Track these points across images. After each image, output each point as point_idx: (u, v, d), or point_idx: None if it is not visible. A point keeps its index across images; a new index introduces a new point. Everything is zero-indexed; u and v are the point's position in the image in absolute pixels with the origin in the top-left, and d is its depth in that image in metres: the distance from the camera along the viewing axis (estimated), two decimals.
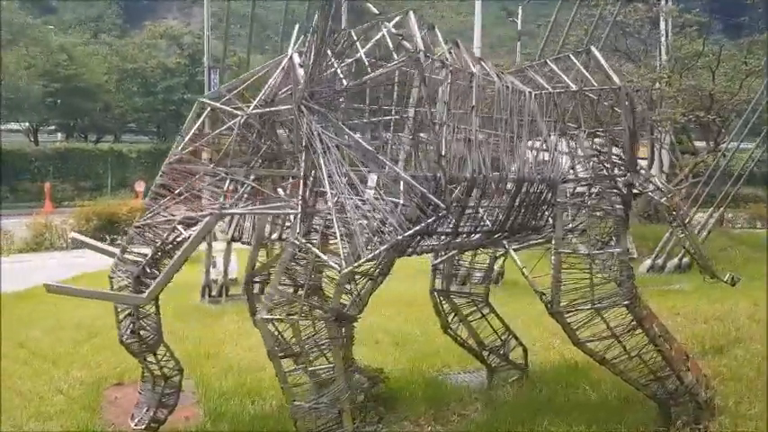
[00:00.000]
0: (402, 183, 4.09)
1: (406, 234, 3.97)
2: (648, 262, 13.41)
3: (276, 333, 4.56)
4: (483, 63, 5.01)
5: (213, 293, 9.96)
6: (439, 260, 6.01)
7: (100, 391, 5.90)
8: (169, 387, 4.80)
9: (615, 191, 4.95)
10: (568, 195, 4.93)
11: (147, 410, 4.73)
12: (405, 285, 9.11)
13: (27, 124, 35.03)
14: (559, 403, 5.72)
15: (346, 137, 4.15)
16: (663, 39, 17.88)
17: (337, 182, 4.08)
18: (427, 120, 4.06)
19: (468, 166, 4.45)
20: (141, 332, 4.57)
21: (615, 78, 5.15)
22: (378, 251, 3.92)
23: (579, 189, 4.97)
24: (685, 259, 12.78)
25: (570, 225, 4.96)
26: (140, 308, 4.54)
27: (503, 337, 6.31)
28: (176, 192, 4.45)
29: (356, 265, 3.93)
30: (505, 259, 6.42)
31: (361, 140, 4.15)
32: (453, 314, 6.17)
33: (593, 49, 5.43)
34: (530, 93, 4.96)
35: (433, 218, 4.06)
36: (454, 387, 6.13)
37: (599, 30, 15.03)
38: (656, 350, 4.94)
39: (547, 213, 5.09)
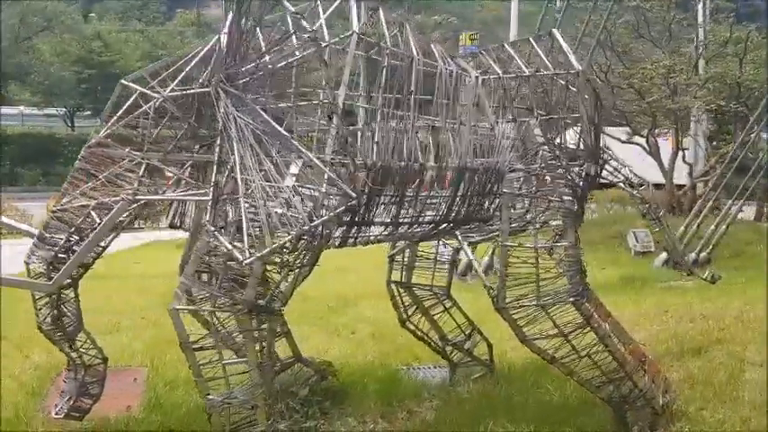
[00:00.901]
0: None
1: (313, 224, 3.76)
2: (663, 256, 12.90)
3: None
4: (435, 47, 4.75)
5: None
6: (396, 250, 5.78)
7: (51, 376, 5.84)
8: (91, 376, 4.69)
9: (565, 182, 4.65)
10: (515, 185, 4.65)
11: (69, 399, 4.63)
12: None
13: (64, 109, 35.78)
14: (517, 402, 5.45)
15: (260, 121, 3.95)
16: (700, 19, 17.03)
17: (249, 168, 3.90)
18: (337, 104, 3.84)
19: (390, 153, 4.24)
20: (62, 319, 4.46)
21: (574, 62, 4.84)
22: (282, 242, 3.72)
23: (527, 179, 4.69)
24: (703, 254, 12.27)
25: (527, 217, 4.69)
26: (62, 294, 4.43)
27: (467, 332, 6.05)
28: (97, 177, 4.32)
29: (258, 256, 3.74)
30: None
31: (276, 126, 3.95)
32: (414, 307, 5.94)
33: (554, 31, 5.11)
34: (477, 77, 4.68)
35: (343, 207, 3.83)
36: (414, 382, 5.90)
37: (617, 15, 14.50)
38: (607, 350, 4.64)
39: (495, 204, 4.82)
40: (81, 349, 4.64)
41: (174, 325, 4.11)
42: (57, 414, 4.61)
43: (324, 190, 3.80)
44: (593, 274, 5.65)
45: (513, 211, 4.72)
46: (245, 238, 3.73)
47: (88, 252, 4.21)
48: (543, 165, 4.64)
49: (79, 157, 4.42)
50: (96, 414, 4.88)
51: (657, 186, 16.07)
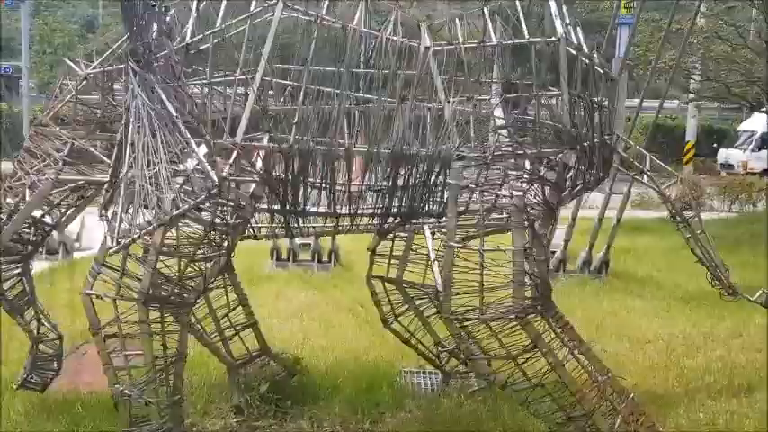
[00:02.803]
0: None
1: (176, 213, 3.45)
2: None
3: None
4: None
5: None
6: (377, 242, 5.26)
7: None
8: (44, 351, 4.78)
9: (519, 173, 3.87)
10: (463, 175, 3.96)
11: (24, 371, 4.76)
12: None
13: None
14: (491, 426, 4.76)
15: (157, 101, 3.69)
16: None
17: (138, 151, 3.66)
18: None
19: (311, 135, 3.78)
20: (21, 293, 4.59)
21: (558, 27, 4.00)
22: (139, 233, 3.46)
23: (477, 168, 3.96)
24: None
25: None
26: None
27: None
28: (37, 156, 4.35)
29: (117, 248, 3.50)
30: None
31: (169, 106, 3.66)
32: (404, 306, 5.40)
33: None
34: (426, 49, 4.03)
35: (204, 196, 3.46)
36: (400, 388, 5.38)
37: None
38: (561, 381, 3.84)
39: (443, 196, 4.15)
40: (33, 324, 4.73)
41: (85, 310, 4.03)
42: (15, 384, 4.77)
43: (187, 175, 3.46)
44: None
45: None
46: (117, 225, 3.52)
47: (18, 226, 4.27)
48: (494, 151, 3.89)
49: (27, 136, 4.50)
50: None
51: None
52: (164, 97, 3.69)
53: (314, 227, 4.41)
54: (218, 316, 5.09)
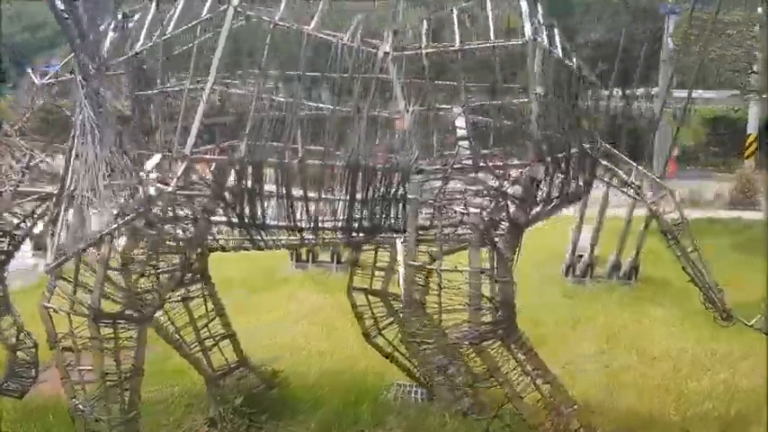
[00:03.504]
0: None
1: (106, 231, 3.35)
2: None
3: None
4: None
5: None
6: (357, 253, 5.08)
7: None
8: (22, 359, 4.79)
9: (478, 189, 3.62)
10: (424, 190, 3.73)
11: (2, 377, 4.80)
12: None
13: None
14: None
15: (98, 112, 3.60)
16: None
17: (80, 165, 3.59)
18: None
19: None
20: None
21: (527, 29, 3.72)
22: (73, 252, 3.38)
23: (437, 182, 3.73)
24: None
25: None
26: None
27: None
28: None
29: (53, 265, 3.43)
30: None
31: (108, 118, 3.57)
32: (388, 320, 5.20)
33: None
34: (385, 54, 3.81)
35: (133, 215, 3.34)
36: (382, 403, 5.18)
37: None
38: (518, 415, 3.59)
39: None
40: (5, 332, 4.75)
41: (43, 322, 4.00)
42: None
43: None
44: None
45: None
46: (49, 243, 3.46)
47: None
48: (454, 165, 3.65)
49: None
50: None
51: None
52: (107, 109, 3.59)
53: (280, 239, 4.26)
54: (199, 326, 5.01)
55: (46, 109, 4.18)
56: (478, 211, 3.54)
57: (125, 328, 3.94)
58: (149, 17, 3.98)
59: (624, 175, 4.31)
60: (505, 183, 3.66)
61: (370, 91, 3.81)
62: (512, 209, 3.69)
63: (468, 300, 3.53)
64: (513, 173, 3.72)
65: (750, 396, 5.14)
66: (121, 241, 3.83)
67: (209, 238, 4.17)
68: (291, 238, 4.18)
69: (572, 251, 9.31)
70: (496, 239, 3.69)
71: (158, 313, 4.81)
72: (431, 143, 3.83)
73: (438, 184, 3.67)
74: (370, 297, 5.15)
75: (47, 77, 4.11)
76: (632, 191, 4.27)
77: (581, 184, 4.20)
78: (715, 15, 9.76)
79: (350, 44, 3.81)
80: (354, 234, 4.07)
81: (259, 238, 4.12)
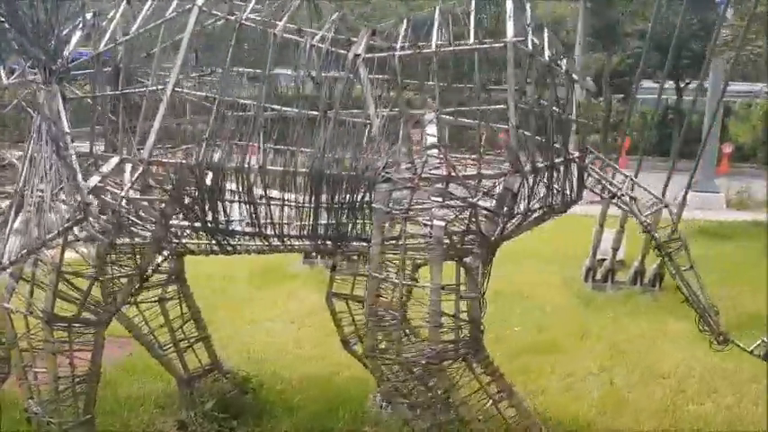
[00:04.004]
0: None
1: (48, 238, 3.21)
2: None
3: None
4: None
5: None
6: (338, 259, 4.87)
7: None
8: None
9: (444, 199, 3.36)
10: (389, 199, 3.50)
11: None
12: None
13: None
14: None
15: (49, 115, 3.47)
16: None
17: (31, 168, 3.48)
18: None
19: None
20: None
21: (509, 30, 3.44)
22: (17, 256, 3.26)
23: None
24: None
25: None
26: None
27: None
28: None
29: (4, 266, 3.33)
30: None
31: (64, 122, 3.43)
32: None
33: None
34: (355, 56, 3.57)
35: (70, 223, 3.19)
36: (359, 413, 4.94)
37: None
38: None
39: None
40: None
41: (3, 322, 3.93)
42: None
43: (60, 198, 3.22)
44: None
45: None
46: (6, 242, 3.35)
47: None
48: (421, 174, 3.40)
49: None
50: None
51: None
52: (62, 112, 3.46)
53: (248, 245, 4.09)
54: (174, 327, 4.91)
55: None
56: (443, 224, 3.29)
57: (80, 332, 3.84)
58: (118, 16, 3.84)
59: (617, 186, 4.00)
60: (478, 194, 3.41)
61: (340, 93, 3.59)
62: (483, 222, 3.43)
63: (428, 317, 3.30)
64: (488, 183, 3.47)
65: (751, 426, 4.81)
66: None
67: (176, 241, 4.03)
68: (260, 243, 4.01)
69: (593, 254, 8.93)
70: (466, 253, 3.46)
71: (133, 313, 4.77)
72: (401, 150, 3.56)
73: (406, 193, 3.44)
74: (350, 303, 4.95)
75: (13, 76, 4.00)
76: (622, 203, 3.96)
77: (569, 194, 3.92)
78: (754, 8, 9.20)
79: (318, 45, 3.60)
80: (322, 242, 3.88)
81: (226, 242, 3.97)
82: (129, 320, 4.65)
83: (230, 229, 3.83)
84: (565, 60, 3.76)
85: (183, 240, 4.04)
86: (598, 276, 8.91)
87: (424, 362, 3.31)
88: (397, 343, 3.46)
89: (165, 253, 4.36)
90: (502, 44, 3.38)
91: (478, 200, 3.40)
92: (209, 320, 6.71)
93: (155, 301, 4.81)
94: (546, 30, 3.73)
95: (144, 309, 4.77)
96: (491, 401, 3.47)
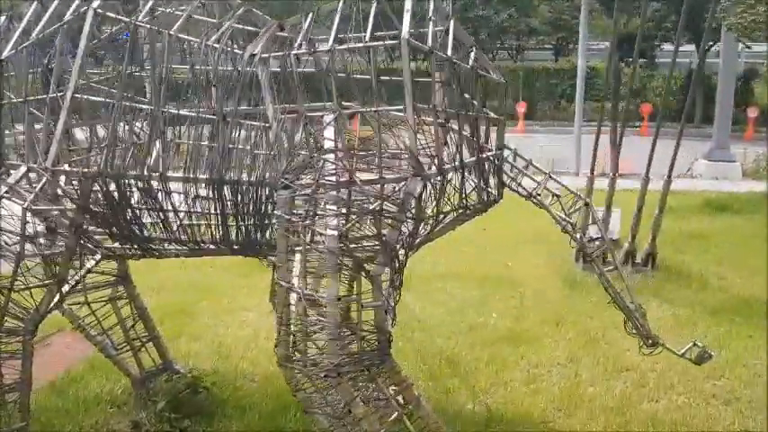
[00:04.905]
0: None
1: None
2: None
3: None
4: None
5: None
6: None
7: None
8: None
9: (339, 208, 3.27)
10: (291, 206, 3.42)
11: None
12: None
13: None
14: None
15: None
16: None
17: None
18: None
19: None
20: None
21: (405, 26, 3.30)
22: None
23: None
24: None
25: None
26: None
27: None
28: None
29: None
30: None
31: None
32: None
33: None
34: (252, 56, 3.48)
35: None
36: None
37: None
38: None
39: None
40: None
41: None
42: None
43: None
44: None
45: None
46: None
47: None
48: (317, 181, 3.31)
49: None
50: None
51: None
52: None
53: (169, 249, 4.05)
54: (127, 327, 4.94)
55: None
56: (336, 233, 3.20)
57: (6, 342, 3.87)
58: (26, 18, 3.80)
59: (539, 181, 3.84)
60: (376, 200, 3.30)
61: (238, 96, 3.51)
62: (388, 229, 3.33)
63: (324, 329, 3.24)
64: (389, 188, 3.36)
65: (695, 427, 4.66)
66: None
67: (98, 248, 4.02)
68: (181, 248, 3.98)
69: (581, 234, 8.66)
70: (367, 262, 3.37)
71: (85, 312, 4.81)
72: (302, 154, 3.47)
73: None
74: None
75: None
76: (538, 202, 3.79)
77: (487, 193, 3.78)
78: None
79: (214, 46, 3.51)
80: (234, 248, 3.83)
81: (148, 248, 3.95)
82: (79, 321, 4.70)
83: (145, 235, 3.81)
84: (473, 54, 3.60)
85: (107, 245, 4.03)
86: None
87: (322, 375, 3.25)
88: (302, 354, 3.40)
89: (98, 257, 4.35)
90: (396, 42, 3.26)
91: (379, 206, 3.29)
92: (190, 311, 6.84)
93: (106, 302, 4.85)
94: (453, 22, 3.57)
95: (96, 308, 4.81)
96: (396, 414, 3.38)
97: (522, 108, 26.39)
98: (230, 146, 3.47)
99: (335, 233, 3.20)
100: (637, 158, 8.20)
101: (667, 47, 28.05)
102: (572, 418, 4.86)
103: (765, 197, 11.94)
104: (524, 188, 3.82)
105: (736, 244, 9.51)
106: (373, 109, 3.34)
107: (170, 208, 3.61)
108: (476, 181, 3.65)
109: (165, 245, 3.90)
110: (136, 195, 3.59)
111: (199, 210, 3.62)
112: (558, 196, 3.85)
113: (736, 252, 9.15)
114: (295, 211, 3.34)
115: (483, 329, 6.57)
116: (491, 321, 6.78)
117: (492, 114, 3.82)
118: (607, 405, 4.98)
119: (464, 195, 3.59)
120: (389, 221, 3.30)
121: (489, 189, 3.75)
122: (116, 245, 4.00)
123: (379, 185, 3.32)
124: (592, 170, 8.56)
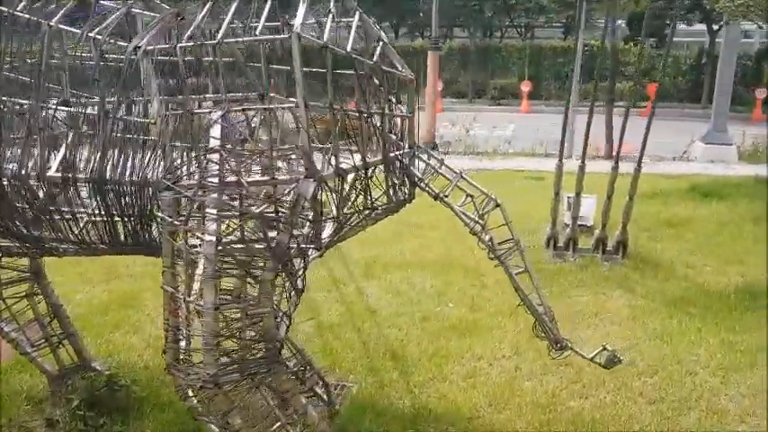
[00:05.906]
0: None
1: None
2: None
3: None
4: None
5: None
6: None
7: None
8: None
9: (219, 210, 3.09)
10: (175, 208, 3.24)
11: None
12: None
13: None
14: None
15: None
16: None
17: None
18: None
19: None
20: None
21: (297, 21, 3.09)
22: None
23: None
24: None
25: None
26: None
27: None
28: None
29: None
30: None
31: None
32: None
33: None
34: (136, 48, 3.27)
35: None
36: None
37: None
38: None
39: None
40: None
41: None
42: None
43: None
44: None
45: None
46: None
47: None
48: (198, 183, 3.13)
49: None
50: None
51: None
52: None
53: (67, 248, 3.90)
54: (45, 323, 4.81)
55: None
56: (213, 239, 3.03)
57: None
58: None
59: (451, 178, 3.64)
60: (261, 203, 3.13)
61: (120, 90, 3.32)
62: (280, 233, 3.15)
63: (202, 338, 3.08)
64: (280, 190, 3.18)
65: (612, 427, 4.51)
66: None
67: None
68: (75, 247, 3.82)
69: (552, 222, 8.50)
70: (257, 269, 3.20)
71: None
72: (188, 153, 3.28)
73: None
74: None
75: None
76: (445, 203, 3.60)
77: (397, 193, 3.60)
78: None
79: (96, 37, 3.32)
80: (124, 248, 3.67)
81: (41, 246, 3.80)
82: None
83: (34, 235, 3.65)
84: (379, 48, 3.39)
85: (3, 243, 3.88)
86: (560, 244, 8.50)
87: (199, 385, 3.11)
88: (187, 362, 3.26)
89: None
90: (286, 36, 3.06)
91: (264, 209, 3.12)
92: (135, 301, 6.70)
93: (21, 298, 4.72)
94: (358, 14, 3.36)
95: (11, 304, 4.68)
96: (279, 424, 3.24)
97: (526, 87, 25.98)
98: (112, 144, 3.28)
99: (212, 239, 3.03)
100: (639, 141, 7.95)
101: (682, 27, 27.42)
102: (500, 414, 4.72)
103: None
104: (432, 189, 3.62)
105: (713, 232, 9.26)
106: (261, 107, 3.15)
107: (53, 208, 3.44)
108: (385, 181, 3.46)
109: (56, 244, 3.74)
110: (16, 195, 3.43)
111: (83, 210, 3.45)
112: (471, 196, 3.65)
113: (711, 240, 8.92)
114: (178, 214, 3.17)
115: (435, 320, 6.42)
116: (444, 312, 6.62)
117: (402, 111, 3.63)
118: (538, 401, 4.84)
119: (370, 197, 3.41)
120: (280, 225, 3.12)
121: (399, 189, 3.57)
122: (13, 243, 3.85)
123: (269, 187, 3.14)
124: (583, 154, 8.28)
